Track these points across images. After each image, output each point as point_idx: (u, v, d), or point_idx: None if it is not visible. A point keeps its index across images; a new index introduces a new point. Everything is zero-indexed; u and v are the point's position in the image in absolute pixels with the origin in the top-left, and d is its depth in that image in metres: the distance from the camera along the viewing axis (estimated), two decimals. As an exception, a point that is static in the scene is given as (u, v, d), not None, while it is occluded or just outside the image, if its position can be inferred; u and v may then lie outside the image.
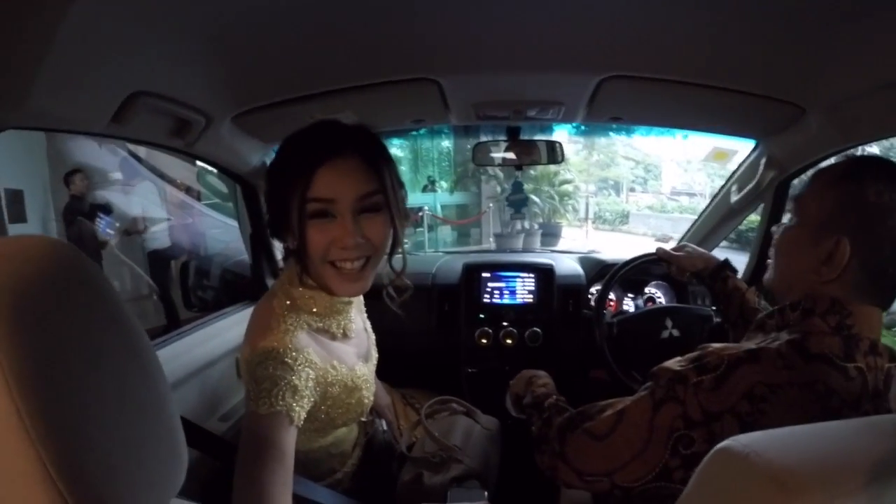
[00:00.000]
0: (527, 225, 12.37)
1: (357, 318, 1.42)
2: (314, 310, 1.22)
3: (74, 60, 0.98)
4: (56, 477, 0.46)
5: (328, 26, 1.21)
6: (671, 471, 0.98)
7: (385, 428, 1.58)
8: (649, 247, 2.00)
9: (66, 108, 1.12)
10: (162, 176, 6.90)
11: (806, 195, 1.07)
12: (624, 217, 18.15)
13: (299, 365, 1.08)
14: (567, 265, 2.48)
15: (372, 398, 1.37)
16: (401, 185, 1.25)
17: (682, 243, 1.92)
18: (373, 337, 1.49)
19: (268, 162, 1.93)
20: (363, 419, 1.46)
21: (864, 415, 0.92)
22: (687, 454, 0.96)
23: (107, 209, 5.95)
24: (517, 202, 11.80)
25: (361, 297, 1.50)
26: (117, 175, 6.54)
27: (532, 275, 2.34)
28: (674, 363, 1.05)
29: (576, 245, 12.22)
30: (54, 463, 0.46)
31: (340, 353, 1.26)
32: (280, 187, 1.13)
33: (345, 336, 1.31)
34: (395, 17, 1.20)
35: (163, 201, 6.73)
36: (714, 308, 1.90)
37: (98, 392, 0.52)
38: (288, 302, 1.18)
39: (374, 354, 1.47)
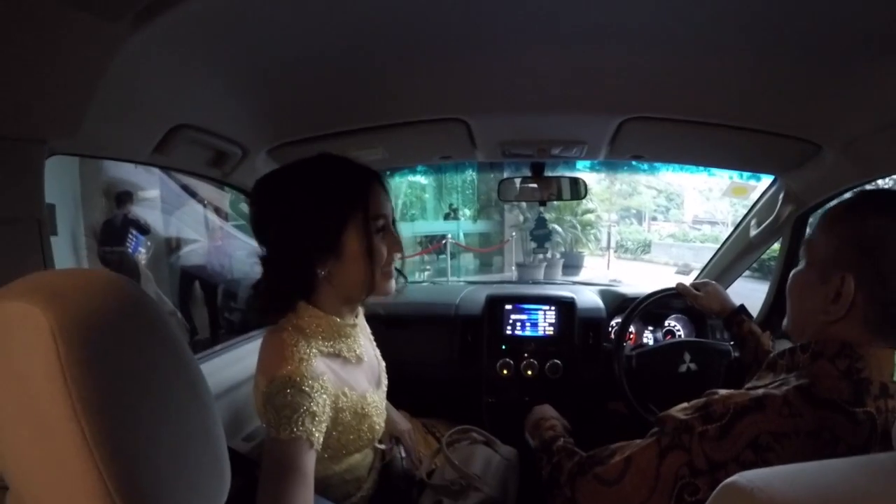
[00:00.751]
0: (548, 255, 12.31)
1: (367, 344, 1.47)
2: (322, 334, 1.26)
3: (125, 93, 1.05)
4: (115, 496, 0.52)
5: (363, 67, 1.28)
6: None
7: (404, 455, 1.60)
8: (671, 276, 2.02)
9: (113, 137, 1.20)
10: (193, 195, 6.99)
11: (813, 236, 1.08)
12: (646, 246, 17.99)
13: (316, 392, 1.12)
14: (588, 298, 2.49)
15: (383, 424, 1.40)
16: None
17: (704, 280, 1.93)
18: (383, 364, 1.53)
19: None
20: (377, 445, 1.48)
21: None
22: (691, 501, 0.96)
23: (145, 228, 6.05)
24: (541, 237, 11.78)
25: (367, 327, 1.56)
26: (149, 193, 6.64)
27: (554, 308, 2.35)
28: (679, 411, 1.05)
29: (597, 275, 12.15)
30: (115, 483, 0.52)
31: (352, 380, 1.30)
32: (329, 216, 1.21)
33: (358, 360, 1.35)
34: (427, 61, 1.26)
35: (193, 221, 6.80)
36: (733, 343, 1.91)
37: (157, 419, 0.57)
38: (297, 332, 1.22)
39: (385, 381, 1.51)
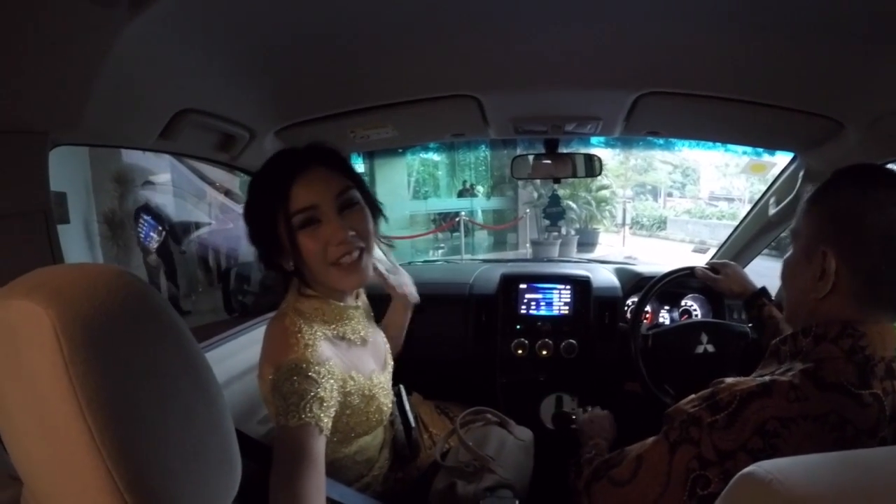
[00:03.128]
0: (563, 231, 12.29)
1: (371, 325, 1.47)
2: (323, 318, 1.27)
3: (126, 80, 1.02)
4: (124, 492, 0.51)
5: (371, 45, 1.24)
6: None
7: (406, 401, 1.61)
8: (687, 254, 1.99)
9: (117, 125, 1.17)
10: (203, 178, 7.01)
11: (797, 222, 1.10)
12: (661, 223, 17.86)
13: (323, 378, 1.12)
14: (604, 277, 2.46)
15: (390, 406, 1.41)
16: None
17: (724, 261, 1.92)
18: (388, 345, 1.53)
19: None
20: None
21: (882, 441, 0.92)
22: (704, 495, 0.96)
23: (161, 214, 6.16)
24: (554, 215, 11.76)
25: (370, 308, 1.55)
26: (160, 178, 6.67)
27: (569, 287, 2.32)
28: (687, 404, 1.05)
29: (612, 252, 12.13)
30: (123, 479, 0.51)
31: (359, 362, 1.31)
32: (262, 219, 1.22)
33: (363, 342, 1.36)
34: (436, 37, 1.23)
35: (205, 204, 6.84)
36: (751, 325, 1.89)
37: (163, 414, 0.57)
38: (298, 318, 1.22)
39: (391, 363, 1.51)
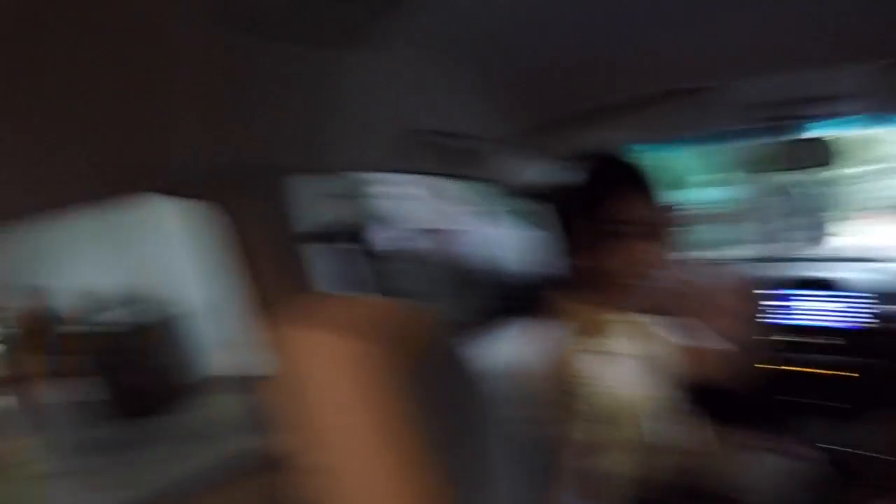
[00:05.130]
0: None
1: (633, 341, 1.40)
2: (584, 328, 1.24)
3: (357, 107, 1.09)
4: None
5: (602, 48, 1.24)
6: None
7: None
8: None
9: (352, 151, 1.23)
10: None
11: None
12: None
13: (581, 388, 1.13)
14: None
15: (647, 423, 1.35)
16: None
17: None
18: (664, 360, 1.43)
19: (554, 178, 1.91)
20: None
21: None
22: None
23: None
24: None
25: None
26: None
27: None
28: None
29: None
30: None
31: (612, 375, 1.26)
32: (591, 208, 1.20)
33: (616, 355, 1.30)
34: (673, 28, 1.20)
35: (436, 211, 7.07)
36: None
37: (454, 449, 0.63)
38: (564, 323, 1.23)
39: (664, 378, 1.42)
